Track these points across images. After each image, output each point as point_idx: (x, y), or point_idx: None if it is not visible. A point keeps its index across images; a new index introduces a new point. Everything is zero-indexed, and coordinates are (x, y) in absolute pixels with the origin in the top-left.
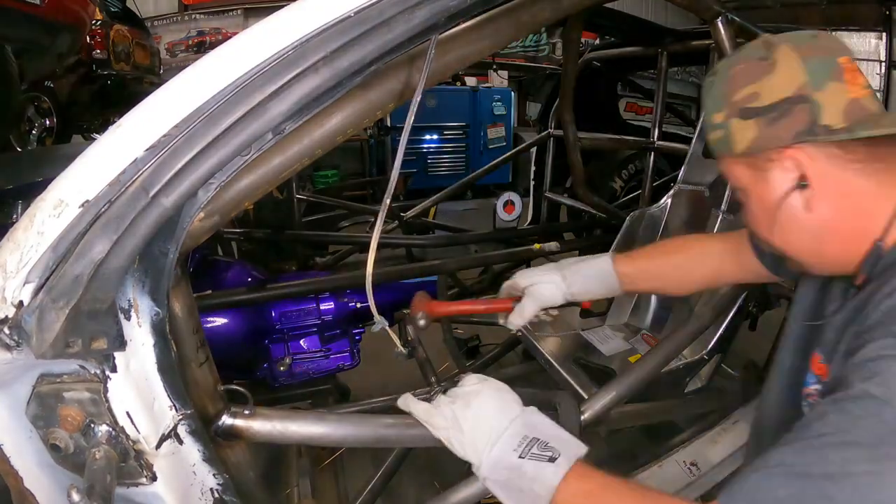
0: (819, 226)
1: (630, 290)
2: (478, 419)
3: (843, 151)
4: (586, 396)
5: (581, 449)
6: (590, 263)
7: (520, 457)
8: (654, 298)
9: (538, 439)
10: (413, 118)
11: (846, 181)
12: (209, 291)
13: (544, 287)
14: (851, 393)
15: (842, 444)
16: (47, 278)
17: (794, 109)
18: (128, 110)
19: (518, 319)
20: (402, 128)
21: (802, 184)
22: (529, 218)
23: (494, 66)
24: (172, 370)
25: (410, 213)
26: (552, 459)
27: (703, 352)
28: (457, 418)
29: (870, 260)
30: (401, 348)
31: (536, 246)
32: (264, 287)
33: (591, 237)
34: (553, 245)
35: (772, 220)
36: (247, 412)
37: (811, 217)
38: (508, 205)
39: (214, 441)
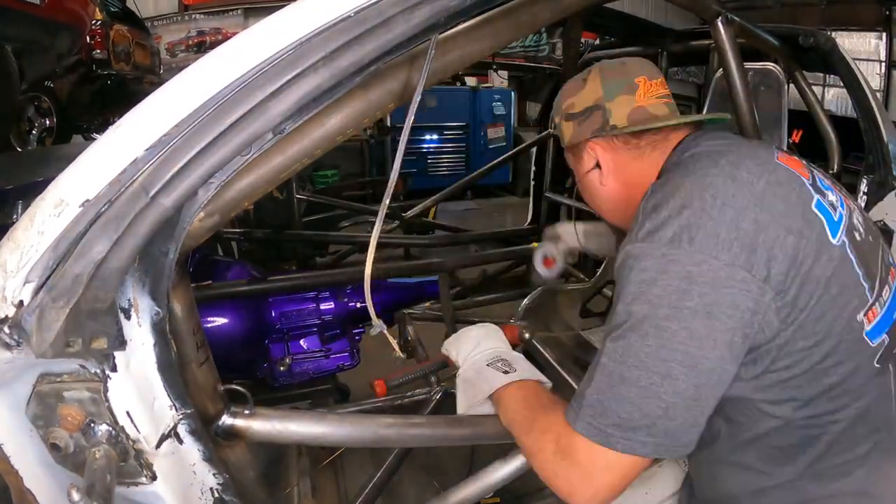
0: (611, 195)
1: None
2: (471, 338)
3: (624, 143)
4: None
5: (536, 375)
6: (599, 224)
7: (487, 364)
8: None
9: (507, 361)
10: (413, 118)
11: (624, 163)
12: (209, 282)
13: (561, 229)
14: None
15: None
16: (47, 278)
17: (593, 114)
18: (128, 110)
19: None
20: (402, 128)
21: (597, 166)
22: (529, 218)
23: (494, 66)
24: (172, 370)
25: (410, 213)
26: (506, 373)
27: None
28: (459, 336)
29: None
30: (399, 352)
31: (535, 245)
32: (264, 279)
33: None
34: None
35: (587, 193)
36: (247, 412)
37: (604, 189)
38: (547, 259)
39: (214, 441)
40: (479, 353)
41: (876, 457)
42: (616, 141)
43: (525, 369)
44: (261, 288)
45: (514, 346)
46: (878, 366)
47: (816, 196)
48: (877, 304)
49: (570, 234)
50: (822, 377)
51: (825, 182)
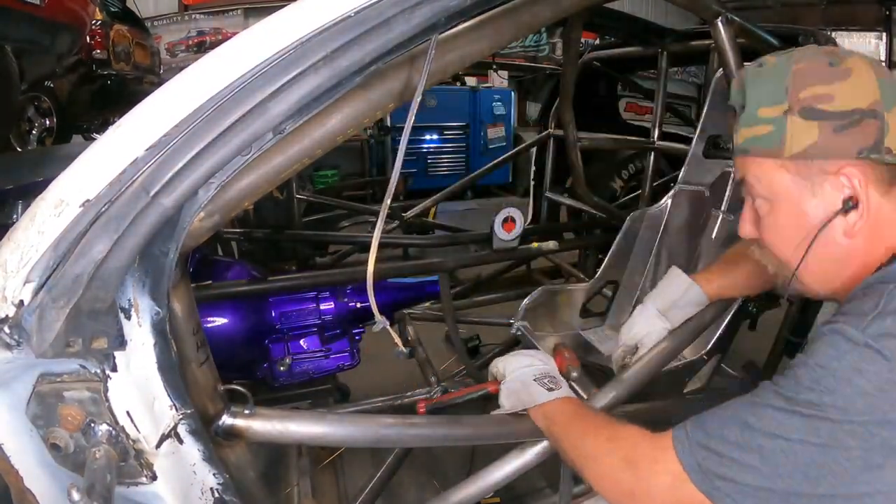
0: (849, 253)
1: (717, 295)
2: (521, 357)
3: (889, 176)
4: (586, 396)
5: (577, 398)
6: (681, 295)
7: (534, 379)
8: None
9: (554, 379)
10: (413, 118)
11: (881, 207)
12: (209, 282)
13: (655, 335)
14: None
15: (784, 412)
16: (48, 278)
17: (864, 122)
18: (128, 110)
19: (621, 359)
20: (403, 128)
21: (849, 205)
22: (529, 218)
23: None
24: (172, 370)
25: (410, 213)
26: (551, 390)
27: (703, 352)
28: (509, 356)
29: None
30: (401, 347)
31: (534, 245)
32: (265, 279)
33: (591, 237)
34: (551, 244)
35: (802, 237)
36: (247, 412)
37: (848, 244)
38: (508, 222)
39: (214, 441)
40: (527, 369)
41: None
42: (884, 173)
43: (569, 391)
44: (261, 288)
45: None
46: None
47: None
48: None
49: (661, 332)
50: None
51: None
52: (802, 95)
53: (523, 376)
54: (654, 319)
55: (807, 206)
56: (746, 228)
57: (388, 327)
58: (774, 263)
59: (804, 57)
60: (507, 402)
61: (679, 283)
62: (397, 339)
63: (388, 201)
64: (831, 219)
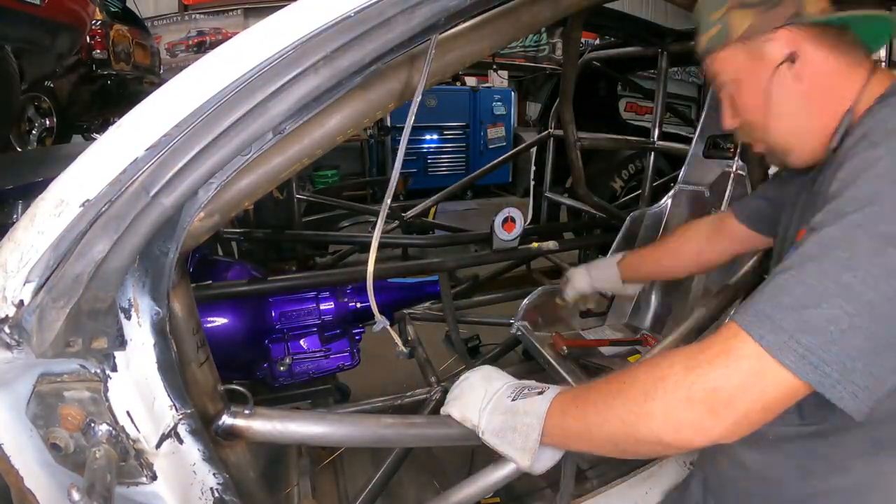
0: (805, 97)
1: (631, 277)
2: (473, 387)
3: (821, 34)
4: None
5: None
6: (603, 261)
7: (513, 400)
8: (654, 298)
9: (528, 387)
10: (413, 118)
11: (824, 58)
12: (209, 282)
13: (574, 273)
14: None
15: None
16: (48, 278)
17: (783, 0)
18: (128, 110)
19: (569, 296)
20: (403, 128)
21: (792, 59)
22: (529, 218)
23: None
24: (172, 370)
25: (410, 213)
26: (540, 393)
27: None
28: (458, 393)
29: (842, 127)
30: (402, 347)
31: (534, 244)
32: (264, 279)
33: (591, 237)
34: (551, 244)
35: (765, 98)
36: (247, 412)
37: (799, 88)
38: (508, 222)
39: (214, 441)
40: (495, 396)
41: None
42: (816, 31)
43: (549, 386)
44: (261, 288)
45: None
46: None
47: None
48: None
49: (581, 276)
50: None
51: None
52: None
53: (499, 407)
54: (580, 268)
55: (760, 71)
56: (727, 121)
57: (389, 327)
58: (759, 138)
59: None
60: (515, 450)
61: (609, 262)
62: (397, 339)
63: (388, 201)
64: (778, 65)
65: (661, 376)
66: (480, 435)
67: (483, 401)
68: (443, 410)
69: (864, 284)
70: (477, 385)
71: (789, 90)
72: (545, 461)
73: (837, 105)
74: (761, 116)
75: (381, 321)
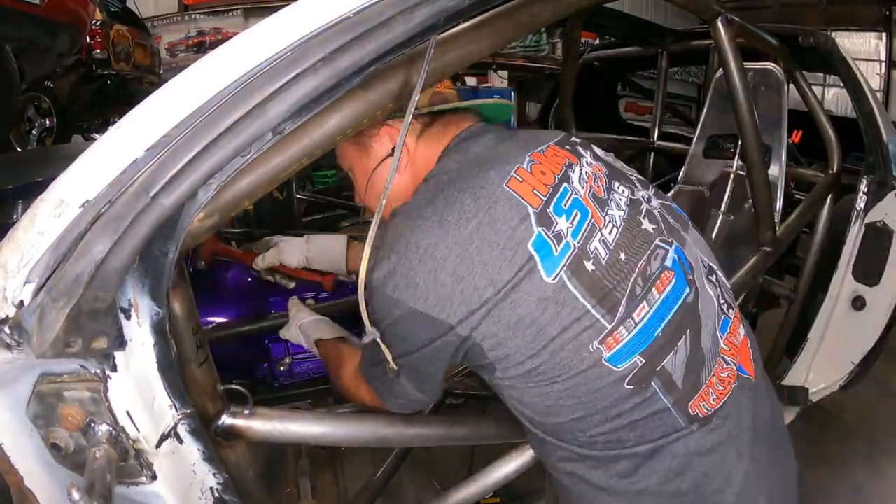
0: (403, 184)
1: (354, 271)
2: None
3: (422, 127)
4: None
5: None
6: (330, 238)
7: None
8: None
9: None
10: (411, 118)
11: (417, 147)
12: (216, 323)
13: (286, 245)
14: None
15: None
16: (48, 278)
17: None
18: (128, 110)
19: (259, 263)
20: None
21: (391, 153)
22: None
23: (494, 66)
24: (172, 370)
25: None
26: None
27: None
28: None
29: None
30: (392, 364)
31: None
32: (265, 318)
33: None
34: None
35: (371, 187)
36: (247, 412)
37: (398, 178)
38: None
39: (214, 440)
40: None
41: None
42: (416, 123)
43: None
44: (265, 326)
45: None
46: (629, 387)
47: (539, 229)
48: (620, 328)
49: (295, 249)
50: (559, 400)
51: (566, 202)
52: None
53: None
54: (297, 238)
55: (365, 162)
56: (357, 196)
57: (379, 340)
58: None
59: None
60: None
61: (338, 241)
62: (388, 355)
63: (385, 201)
64: (381, 161)
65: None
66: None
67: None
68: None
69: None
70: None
71: (404, 183)
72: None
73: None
74: (365, 198)
75: (371, 332)
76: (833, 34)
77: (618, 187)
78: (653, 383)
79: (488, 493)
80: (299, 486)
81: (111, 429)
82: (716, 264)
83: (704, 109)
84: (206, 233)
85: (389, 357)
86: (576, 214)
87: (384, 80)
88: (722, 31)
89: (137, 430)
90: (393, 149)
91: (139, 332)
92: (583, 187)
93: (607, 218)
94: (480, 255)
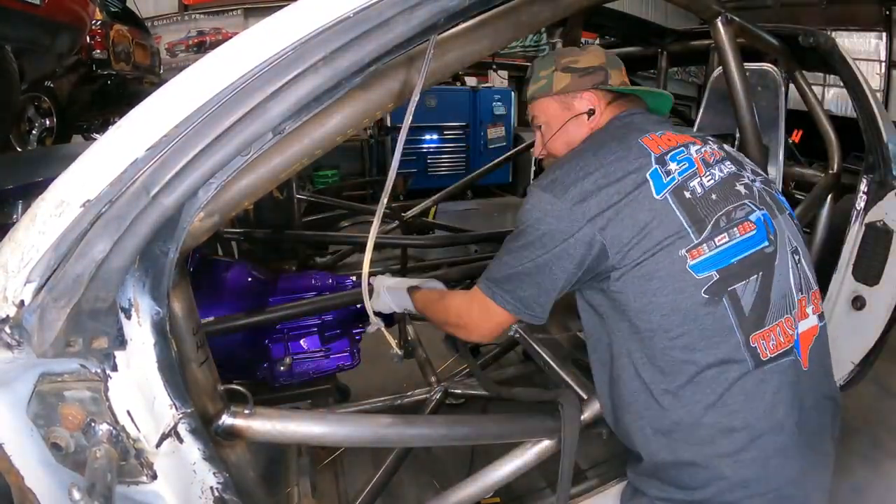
0: (581, 133)
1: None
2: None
3: (609, 102)
4: (585, 397)
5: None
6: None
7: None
8: None
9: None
10: (412, 118)
11: (605, 112)
12: (212, 318)
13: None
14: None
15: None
16: (48, 278)
17: (597, 72)
18: (128, 110)
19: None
20: (402, 127)
21: (591, 112)
22: None
23: (494, 66)
24: (173, 369)
25: (410, 213)
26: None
27: None
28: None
29: None
30: (397, 350)
31: None
32: (263, 311)
33: None
34: None
35: (563, 134)
36: (247, 412)
37: (587, 128)
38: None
39: (214, 440)
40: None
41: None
42: (608, 96)
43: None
44: (263, 319)
45: None
46: (705, 295)
47: (655, 166)
48: (704, 245)
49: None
50: (653, 297)
51: (680, 156)
52: (562, 62)
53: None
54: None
55: (565, 117)
56: (538, 150)
57: (384, 329)
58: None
59: (565, 47)
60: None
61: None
62: (392, 343)
63: (385, 201)
64: (573, 117)
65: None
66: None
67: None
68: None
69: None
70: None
71: (578, 131)
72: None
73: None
74: (561, 149)
75: (375, 322)
76: (833, 34)
77: (727, 164)
78: (724, 299)
79: (488, 493)
80: (299, 486)
81: (112, 428)
82: (802, 249)
83: (701, 110)
84: (207, 233)
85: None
86: (684, 164)
87: (384, 79)
88: (722, 31)
89: (138, 429)
90: (591, 109)
91: (139, 331)
92: (696, 154)
93: (708, 173)
94: (615, 175)
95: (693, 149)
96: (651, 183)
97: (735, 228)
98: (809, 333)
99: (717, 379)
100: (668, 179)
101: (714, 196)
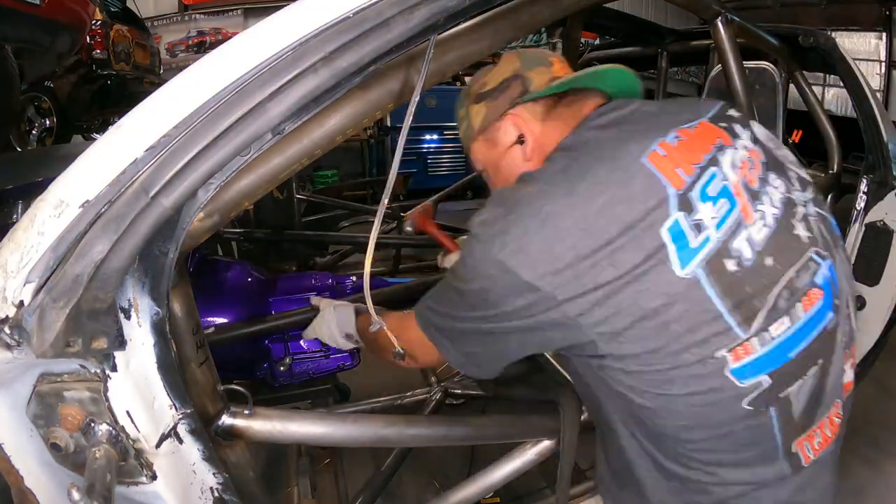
0: (529, 169)
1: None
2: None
3: (545, 110)
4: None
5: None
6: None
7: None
8: None
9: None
10: (412, 118)
11: (546, 134)
12: (212, 329)
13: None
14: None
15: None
16: (48, 278)
17: (510, 84)
18: (128, 110)
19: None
20: (402, 128)
21: (521, 140)
22: None
23: None
24: (172, 369)
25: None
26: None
27: None
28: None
29: None
30: (399, 349)
31: None
32: (264, 319)
33: None
34: None
35: (501, 175)
36: (246, 412)
37: (529, 164)
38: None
39: (214, 440)
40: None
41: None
42: (538, 108)
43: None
44: (264, 328)
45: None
46: (748, 408)
47: (677, 214)
48: (754, 340)
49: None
50: (669, 404)
51: (713, 186)
52: (471, 93)
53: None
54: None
55: (498, 157)
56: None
57: (385, 328)
58: None
59: (478, 71)
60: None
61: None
62: (395, 341)
63: (386, 201)
64: (505, 153)
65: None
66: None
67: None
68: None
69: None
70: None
71: (520, 169)
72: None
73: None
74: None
75: (376, 321)
76: (833, 34)
77: (774, 180)
78: (771, 410)
79: (488, 493)
80: (299, 486)
81: (111, 429)
82: (852, 295)
83: None
84: (206, 233)
85: (396, 344)
86: (722, 204)
87: (384, 79)
88: (722, 31)
89: (137, 429)
90: (520, 136)
91: (139, 331)
92: (734, 174)
93: (758, 214)
94: (607, 233)
95: (726, 160)
96: (671, 250)
97: (797, 305)
98: (845, 390)
99: (744, 496)
100: (698, 242)
101: (769, 260)
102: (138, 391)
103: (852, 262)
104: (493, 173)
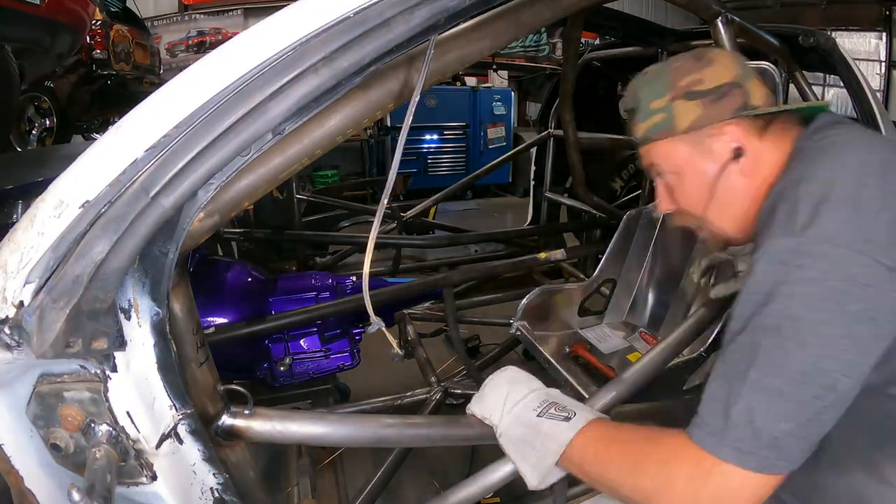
0: (749, 189)
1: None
2: (497, 387)
3: (761, 128)
4: (587, 396)
5: (591, 411)
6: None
7: (538, 416)
8: (650, 296)
9: (557, 403)
10: (412, 118)
11: (766, 149)
12: (212, 329)
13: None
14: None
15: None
16: (48, 278)
17: (731, 91)
18: (128, 110)
19: None
20: (402, 128)
21: (738, 154)
22: (529, 218)
23: (494, 66)
24: (172, 370)
25: (410, 213)
26: (567, 419)
27: (702, 348)
28: (483, 393)
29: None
30: (398, 350)
31: (542, 255)
32: (264, 319)
33: (598, 243)
34: (559, 253)
35: (710, 192)
36: (247, 412)
37: (744, 182)
38: None
39: (214, 441)
40: (520, 404)
41: None
42: (756, 124)
43: (579, 406)
44: (264, 328)
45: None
46: None
47: None
48: None
49: None
50: None
51: None
52: (681, 84)
53: (522, 417)
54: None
55: (705, 166)
56: (663, 205)
57: (384, 329)
58: (695, 224)
59: (677, 59)
60: (529, 466)
61: None
62: (393, 342)
63: (385, 201)
64: (725, 167)
65: (671, 474)
66: (498, 436)
67: (506, 403)
68: (467, 409)
69: (770, 375)
70: (501, 385)
71: (734, 185)
72: (549, 479)
73: (769, 183)
74: (702, 208)
75: (376, 323)
76: (833, 34)
77: None
78: None
79: (488, 493)
80: (299, 486)
81: (111, 429)
82: None
83: None
84: (206, 233)
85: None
86: None
87: (384, 79)
88: (722, 31)
89: (137, 430)
90: (737, 148)
91: (139, 332)
92: None
93: None
94: None
95: None
96: None
97: None
98: None
99: None
100: None
101: None
102: (138, 391)
103: None
104: (682, 178)
